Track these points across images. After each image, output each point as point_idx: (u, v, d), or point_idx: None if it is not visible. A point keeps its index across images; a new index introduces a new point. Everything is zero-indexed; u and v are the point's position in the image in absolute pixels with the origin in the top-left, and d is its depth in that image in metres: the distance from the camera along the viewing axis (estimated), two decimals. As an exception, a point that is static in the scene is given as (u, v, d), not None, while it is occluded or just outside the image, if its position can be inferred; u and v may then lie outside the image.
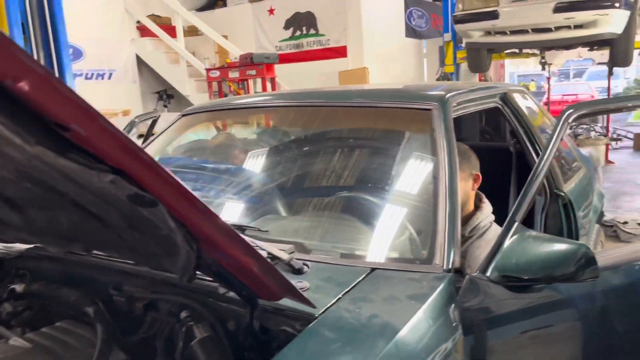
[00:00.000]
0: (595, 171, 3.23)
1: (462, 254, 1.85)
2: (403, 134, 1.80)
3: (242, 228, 1.55)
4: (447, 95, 1.81)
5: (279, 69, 7.43)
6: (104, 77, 7.89)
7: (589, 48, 7.25)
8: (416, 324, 1.15)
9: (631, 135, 10.24)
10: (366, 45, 8.57)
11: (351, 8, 8.45)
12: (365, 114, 1.93)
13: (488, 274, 1.33)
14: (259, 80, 7.03)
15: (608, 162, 8.58)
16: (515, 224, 1.40)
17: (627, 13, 5.64)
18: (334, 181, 1.76)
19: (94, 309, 1.30)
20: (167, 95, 8.46)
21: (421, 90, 2.11)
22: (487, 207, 1.96)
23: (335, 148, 1.86)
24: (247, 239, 1.39)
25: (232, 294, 1.17)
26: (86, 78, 7.65)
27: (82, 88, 7.39)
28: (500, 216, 1.77)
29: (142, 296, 1.32)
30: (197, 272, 1.10)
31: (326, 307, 1.15)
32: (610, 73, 8.03)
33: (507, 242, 1.36)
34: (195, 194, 0.85)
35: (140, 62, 8.45)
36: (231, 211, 1.78)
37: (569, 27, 5.69)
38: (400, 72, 9.58)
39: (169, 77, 8.34)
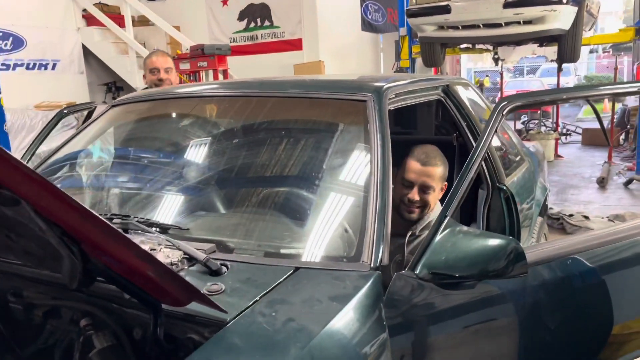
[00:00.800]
0: (539, 165, 3.25)
1: (412, 251, 1.80)
2: (337, 126, 1.73)
3: (162, 226, 1.45)
4: (384, 87, 1.75)
5: (233, 62, 7.25)
6: (47, 68, 7.51)
7: (538, 44, 7.38)
8: (336, 327, 1.08)
9: (580, 130, 10.57)
10: (322, 38, 8.47)
11: (306, 0, 8.34)
12: (300, 105, 1.85)
13: (417, 271, 1.28)
14: (211, 72, 6.83)
15: (557, 156, 8.82)
16: (447, 219, 1.35)
17: (575, 9, 5.76)
18: (264, 175, 1.67)
19: None
20: (115, 87, 8.14)
21: (358, 81, 2.04)
22: (437, 205, 1.92)
23: (267, 141, 1.77)
24: (161, 237, 1.30)
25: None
26: (27, 68, 7.25)
27: (22, 78, 7.04)
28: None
29: (42, 303, 1.21)
30: (96, 278, 1.00)
31: (239, 311, 1.07)
32: (560, 69, 8.21)
33: (438, 238, 1.31)
34: (68, 191, 0.76)
35: (87, 53, 8.09)
36: (155, 208, 1.66)
37: (518, 22, 5.77)
38: (357, 66, 9.54)
39: (117, 68, 8.01)
